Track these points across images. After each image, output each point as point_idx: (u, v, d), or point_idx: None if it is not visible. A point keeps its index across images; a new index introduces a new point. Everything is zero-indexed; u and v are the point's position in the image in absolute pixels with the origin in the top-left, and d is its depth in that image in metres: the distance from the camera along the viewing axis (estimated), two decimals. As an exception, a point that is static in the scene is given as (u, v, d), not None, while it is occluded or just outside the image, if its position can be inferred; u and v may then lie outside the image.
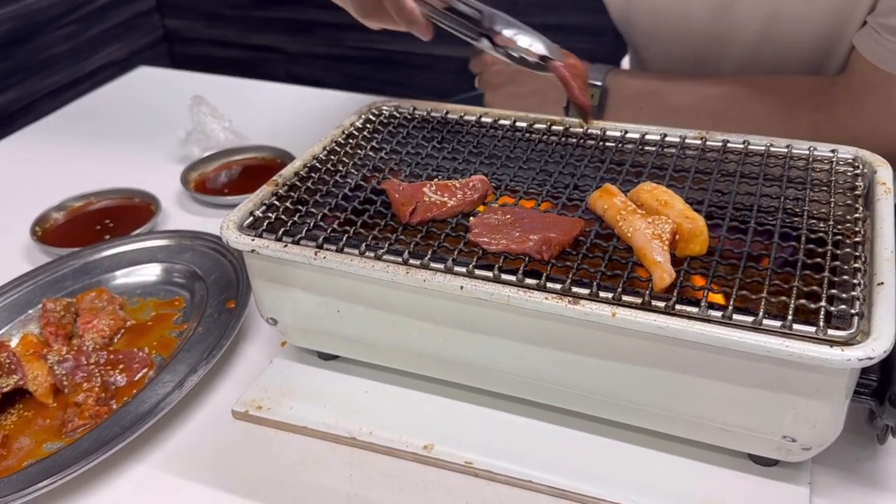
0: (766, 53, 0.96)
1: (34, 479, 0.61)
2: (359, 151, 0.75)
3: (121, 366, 0.73)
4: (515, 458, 0.62)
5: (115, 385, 0.71)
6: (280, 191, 0.68)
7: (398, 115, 0.81)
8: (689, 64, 1.02)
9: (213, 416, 0.69)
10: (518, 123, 0.78)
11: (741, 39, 0.96)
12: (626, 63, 1.32)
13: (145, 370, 0.72)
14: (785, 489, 0.58)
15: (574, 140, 0.75)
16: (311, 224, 0.64)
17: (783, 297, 0.53)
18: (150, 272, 0.85)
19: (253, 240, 0.62)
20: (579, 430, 0.64)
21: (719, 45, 0.98)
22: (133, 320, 0.79)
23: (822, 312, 0.51)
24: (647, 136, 0.73)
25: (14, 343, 0.76)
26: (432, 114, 0.80)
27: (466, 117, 0.79)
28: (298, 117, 1.23)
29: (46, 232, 0.96)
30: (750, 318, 0.51)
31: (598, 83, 0.99)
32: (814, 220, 0.61)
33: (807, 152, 0.69)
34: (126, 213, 0.98)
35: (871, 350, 0.48)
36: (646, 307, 0.53)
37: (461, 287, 0.56)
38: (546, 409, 0.64)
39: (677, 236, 0.57)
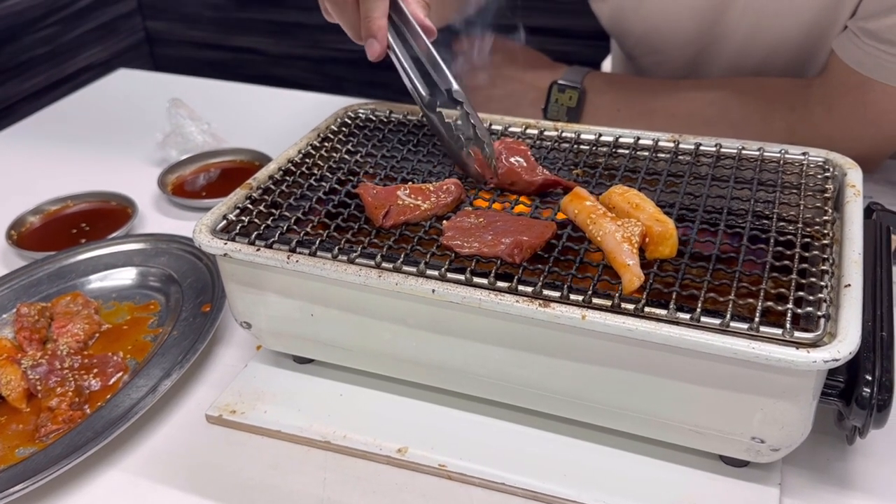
0: (752, 58, 0.97)
1: (6, 485, 0.60)
2: (334, 154, 0.75)
3: (95, 370, 0.72)
4: (489, 461, 0.62)
5: (88, 389, 0.71)
6: (254, 194, 0.68)
7: (374, 118, 0.81)
8: (685, 72, 1.03)
9: (187, 420, 0.69)
10: (493, 126, 0.78)
11: (729, 46, 0.97)
12: (606, 66, 1.33)
13: (119, 374, 0.72)
14: (755, 490, 0.58)
15: (549, 143, 0.75)
16: (285, 227, 0.64)
17: (751, 300, 0.53)
18: (125, 276, 0.85)
19: (225, 243, 0.62)
20: (552, 433, 0.64)
21: (710, 52, 0.99)
22: (108, 324, 0.79)
23: (790, 314, 0.51)
24: (621, 139, 0.73)
25: (-13, 348, 0.76)
26: (408, 117, 0.80)
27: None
28: (277, 120, 1.23)
29: (22, 235, 0.95)
30: (718, 321, 0.51)
31: (577, 85, 1.00)
32: (783, 223, 0.61)
33: (778, 155, 0.69)
34: (102, 217, 0.98)
35: (837, 352, 0.48)
36: (615, 310, 0.53)
37: (433, 290, 0.56)
38: (519, 412, 0.65)
39: (647, 239, 0.57)
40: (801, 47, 0.93)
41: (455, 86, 0.71)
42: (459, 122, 0.71)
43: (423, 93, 0.72)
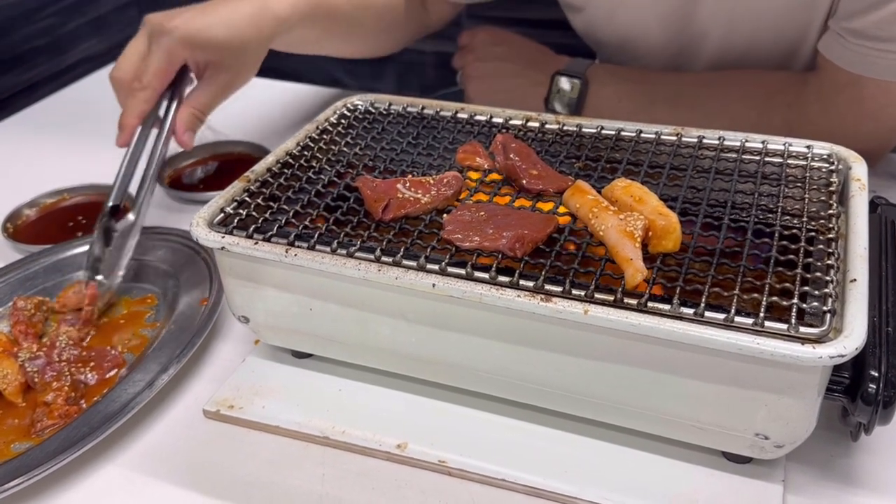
0: (732, 56, 0.96)
1: (1, 480, 0.59)
2: (333, 147, 0.74)
3: (92, 363, 0.72)
4: (489, 457, 0.61)
5: (85, 384, 0.70)
6: (252, 187, 0.67)
7: (374, 111, 0.80)
8: None
9: (184, 415, 0.68)
10: (494, 119, 0.77)
11: (707, 48, 0.97)
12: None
13: (116, 369, 0.71)
14: (759, 486, 0.58)
15: (550, 136, 0.74)
16: (283, 221, 0.63)
17: (756, 294, 0.52)
18: (122, 269, 0.84)
19: (223, 237, 0.62)
20: (553, 428, 0.63)
21: (687, 55, 0.99)
22: (105, 318, 0.78)
23: (795, 310, 0.51)
24: (623, 132, 0.73)
25: (-17, 342, 0.75)
26: (408, 109, 0.80)
27: (442, 113, 0.79)
28: (276, 113, 1.22)
29: (18, 229, 0.94)
30: (722, 316, 0.50)
31: (579, 76, 0.99)
32: (788, 217, 0.61)
33: (782, 148, 0.68)
34: (99, 210, 0.96)
35: (843, 347, 0.48)
36: (618, 305, 0.52)
37: (433, 285, 0.55)
38: (520, 407, 0.64)
39: (650, 233, 0.56)
40: (779, 44, 0.93)
41: (129, 218, 0.80)
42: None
43: (111, 196, 0.82)
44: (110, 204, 0.82)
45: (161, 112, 0.87)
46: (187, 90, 0.89)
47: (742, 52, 0.95)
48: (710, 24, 0.94)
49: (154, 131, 0.87)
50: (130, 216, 0.81)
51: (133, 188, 0.83)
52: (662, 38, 0.98)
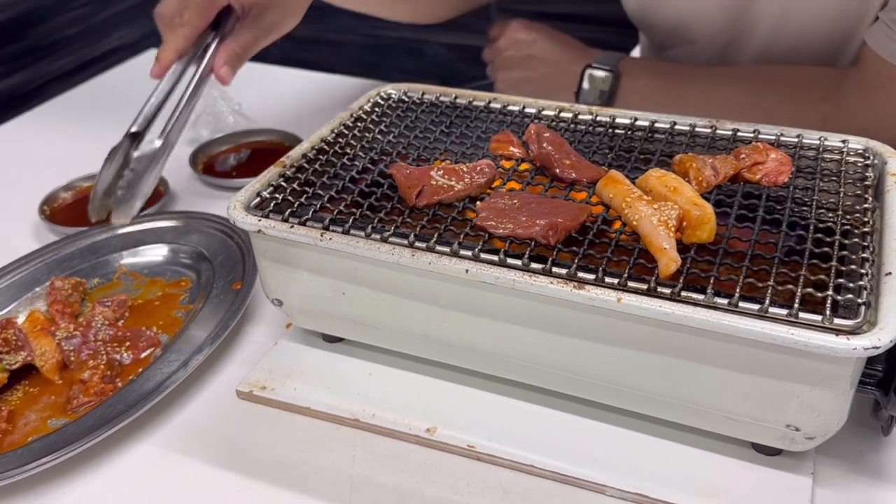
0: (781, 47, 0.95)
1: (38, 455, 0.61)
2: (367, 134, 0.75)
3: (127, 343, 0.73)
4: (518, 443, 0.62)
5: (120, 363, 0.71)
6: (288, 172, 0.68)
7: (407, 100, 0.81)
8: (714, 63, 1.03)
9: (217, 395, 0.69)
10: (527, 109, 0.78)
11: (758, 36, 0.96)
12: (636, 53, 1.32)
13: (151, 349, 0.73)
14: (787, 479, 0.58)
15: (583, 127, 0.75)
16: (318, 206, 0.64)
17: (790, 286, 0.52)
18: (157, 252, 0.85)
19: (259, 220, 0.62)
20: (582, 416, 0.63)
21: (739, 43, 0.98)
22: (140, 300, 0.79)
23: (829, 301, 0.51)
24: (657, 124, 0.73)
25: (21, 320, 0.76)
26: (441, 98, 0.80)
27: (475, 102, 0.79)
28: (308, 102, 1.23)
29: (54, 211, 0.96)
30: (756, 306, 0.51)
31: (611, 69, 0.99)
32: (823, 210, 0.61)
33: (817, 142, 0.68)
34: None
35: (878, 339, 0.48)
36: (651, 293, 0.52)
37: (466, 270, 0.56)
38: (550, 395, 0.64)
39: (685, 223, 0.56)
40: (831, 37, 0.92)
41: (156, 143, 0.78)
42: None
43: (135, 122, 0.79)
44: (133, 130, 0.79)
45: (204, 51, 0.85)
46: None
47: (790, 47, 0.95)
48: (764, 13, 0.93)
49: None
50: (157, 142, 0.77)
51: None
52: (717, 24, 0.97)
